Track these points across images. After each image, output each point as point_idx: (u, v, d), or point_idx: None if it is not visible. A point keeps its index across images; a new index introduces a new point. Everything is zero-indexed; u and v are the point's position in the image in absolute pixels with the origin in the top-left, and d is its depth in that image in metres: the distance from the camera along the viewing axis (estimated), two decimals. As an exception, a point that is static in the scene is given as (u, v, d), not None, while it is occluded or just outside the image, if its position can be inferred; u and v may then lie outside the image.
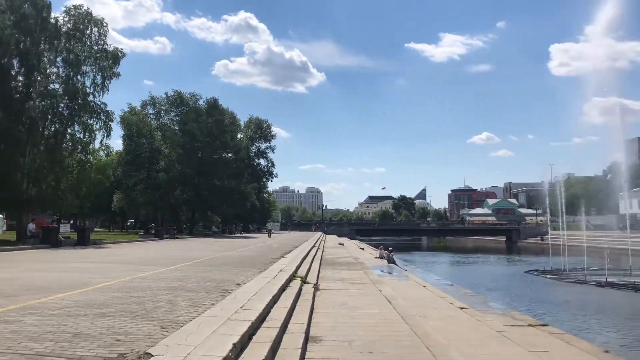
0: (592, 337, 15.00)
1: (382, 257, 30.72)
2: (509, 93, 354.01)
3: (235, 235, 67.84)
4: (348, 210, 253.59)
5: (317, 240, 46.62)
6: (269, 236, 55.56)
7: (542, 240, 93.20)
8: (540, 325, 12.93)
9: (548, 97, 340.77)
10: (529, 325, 12.71)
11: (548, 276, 35.24)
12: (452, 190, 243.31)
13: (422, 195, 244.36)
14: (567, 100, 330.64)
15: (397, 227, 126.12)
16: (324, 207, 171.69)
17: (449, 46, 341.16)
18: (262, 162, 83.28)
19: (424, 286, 18.15)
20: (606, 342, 15.50)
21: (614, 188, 73.13)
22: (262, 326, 7.44)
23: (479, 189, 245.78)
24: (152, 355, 5.14)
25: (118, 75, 36.57)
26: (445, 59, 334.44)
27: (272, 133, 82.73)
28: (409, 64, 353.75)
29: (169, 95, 63.27)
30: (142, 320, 7.16)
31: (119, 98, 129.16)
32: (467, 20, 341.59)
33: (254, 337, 6.67)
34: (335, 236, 76.73)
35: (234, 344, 5.64)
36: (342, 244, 48.97)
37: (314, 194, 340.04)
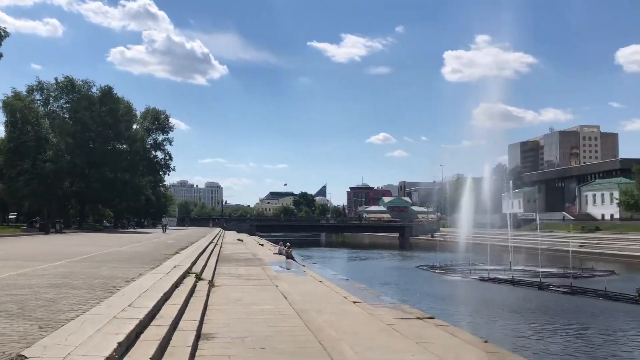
0: (474, 328, 15.96)
1: (280, 253, 30.81)
2: (406, 96, 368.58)
3: (128, 230, 65.10)
4: (249, 206, 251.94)
5: (216, 237, 45.87)
6: (164, 231, 53.86)
7: (432, 237, 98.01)
8: (427, 317, 13.56)
9: (441, 101, 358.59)
10: (417, 318, 13.28)
11: (437, 271, 37.11)
12: (350, 188, 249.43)
13: (322, 192, 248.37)
14: (458, 105, 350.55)
15: (297, 224, 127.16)
16: (224, 203, 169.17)
17: (351, 47, 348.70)
18: (159, 154, 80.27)
19: (320, 281, 18.41)
20: (487, 333, 16.59)
21: (498, 189, 78.25)
22: (151, 324, 7.17)
23: (376, 187, 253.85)
24: (27, 358, 4.78)
25: (0, 56, 33.76)
26: (347, 60, 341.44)
27: (171, 125, 79.91)
28: (312, 63, 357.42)
29: (59, 81, 59.31)
30: (17, 319, 6.64)
31: (1, 81, 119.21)
32: (368, 22, 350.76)
33: (142, 336, 6.42)
34: (235, 232, 75.94)
35: (119, 343, 5.38)
36: (241, 240, 48.54)
37: (214, 189, 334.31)
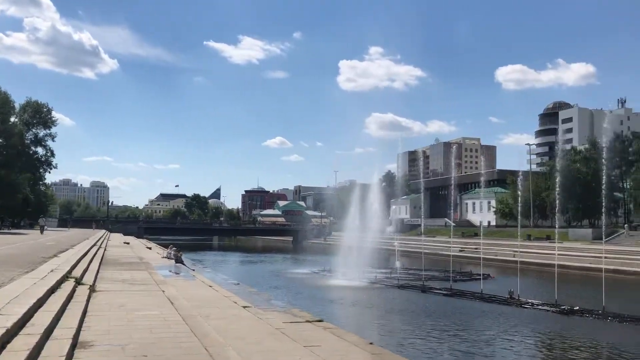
0: (361, 330, 16.39)
1: (169, 257, 29.85)
2: (302, 101, 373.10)
3: (2, 231, 59.98)
4: (137, 207, 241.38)
5: (100, 239, 43.52)
6: (42, 232, 50.21)
7: (325, 240, 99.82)
8: (316, 321, 13.75)
9: (336, 109, 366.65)
10: (307, 321, 13.42)
11: (327, 275, 37.75)
12: (246, 191, 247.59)
13: (216, 194, 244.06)
14: (352, 113, 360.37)
15: (189, 227, 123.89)
16: (110, 204, 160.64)
17: (248, 49, 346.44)
18: (40, 150, 74.83)
19: (210, 286, 18.07)
20: (373, 335, 17.11)
21: (387, 195, 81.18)
22: (20, 333, 6.63)
23: (271, 191, 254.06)
24: None
25: None
26: (244, 62, 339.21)
27: (53, 119, 74.68)
28: (208, 63, 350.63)
29: None
30: None
31: None
32: (266, 26, 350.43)
33: (8, 346, 5.92)
34: (121, 235, 72.47)
35: (-21, 356, 4.91)
36: (128, 243, 46.44)
37: (100, 189, 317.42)
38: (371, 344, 12.56)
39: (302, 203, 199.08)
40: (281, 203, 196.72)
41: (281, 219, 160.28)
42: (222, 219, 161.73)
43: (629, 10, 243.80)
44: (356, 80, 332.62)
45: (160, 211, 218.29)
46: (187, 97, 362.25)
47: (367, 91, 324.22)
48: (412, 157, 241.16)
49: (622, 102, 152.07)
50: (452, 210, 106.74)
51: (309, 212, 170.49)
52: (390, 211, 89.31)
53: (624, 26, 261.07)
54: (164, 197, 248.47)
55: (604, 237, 39.86)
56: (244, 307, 14.37)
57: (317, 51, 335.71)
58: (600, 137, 79.87)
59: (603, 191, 36.27)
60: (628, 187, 71.98)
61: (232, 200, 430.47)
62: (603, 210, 38.55)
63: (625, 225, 63.51)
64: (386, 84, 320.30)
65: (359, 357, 10.04)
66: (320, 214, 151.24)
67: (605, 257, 43.86)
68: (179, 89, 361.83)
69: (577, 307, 22.68)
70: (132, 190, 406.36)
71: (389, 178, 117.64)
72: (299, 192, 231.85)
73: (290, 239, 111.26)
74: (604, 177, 37.43)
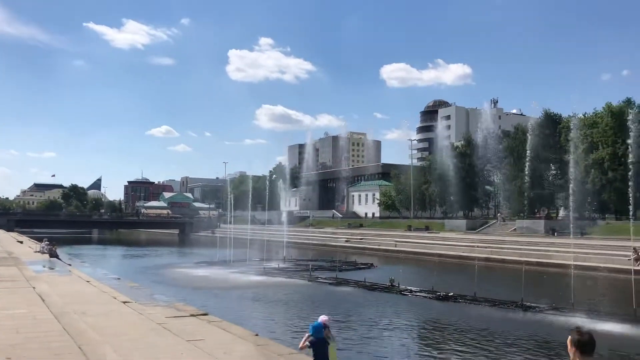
0: (246, 322, 16.33)
1: (43, 251, 27.87)
2: (190, 90, 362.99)
3: None
4: (7, 198, 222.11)
5: (-39, 232, 39.60)
6: None
7: (213, 233, 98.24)
8: (201, 314, 13.50)
9: (225, 99, 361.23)
10: (191, 315, 13.14)
11: (215, 267, 37.22)
12: (129, 182, 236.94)
13: (96, 185, 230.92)
14: (242, 104, 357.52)
15: (66, 219, 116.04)
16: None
17: (133, 33, 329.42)
18: None
19: (88, 281, 17.12)
20: (259, 326, 17.13)
21: (277, 187, 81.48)
22: None
23: (156, 182, 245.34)
24: None
25: None
26: (128, 46, 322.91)
27: None
28: (88, 45, 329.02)
29: None
30: None
31: None
32: (152, 10, 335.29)
33: None
34: (-13, 228, 66.49)
35: None
36: (-5, 237, 42.71)
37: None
38: (256, 335, 12.57)
39: (189, 195, 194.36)
40: (167, 195, 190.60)
41: (167, 211, 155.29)
42: (102, 211, 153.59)
43: (504, 14, 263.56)
44: (246, 70, 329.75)
45: (34, 202, 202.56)
46: (65, 82, 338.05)
47: (257, 82, 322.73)
48: (302, 149, 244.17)
49: (495, 102, 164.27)
50: (340, 202, 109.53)
51: (197, 204, 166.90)
52: (280, 203, 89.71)
53: (498, 29, 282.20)
54: (39, 187, 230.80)
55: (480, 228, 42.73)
56: (125, 302, 13.78)
57: (205, 39, 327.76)
58: (474, 135, 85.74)
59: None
60: (498, 181, 78.00)
61: (114, 192, 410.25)
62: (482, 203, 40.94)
63: (499, 214, 68.61)
64: (276, 76, 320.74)
65: (243, 349, 10.01)
66: (208, 206, 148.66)
67: (477, 246, 47.29)
68: (56, 73, 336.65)
69: (452, 293, 24.23)
70: (2, 180, 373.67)
71: (279, 170, 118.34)
72: (186, 184, 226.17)
73: (176, 232, 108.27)
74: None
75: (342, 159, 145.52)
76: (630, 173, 40.54)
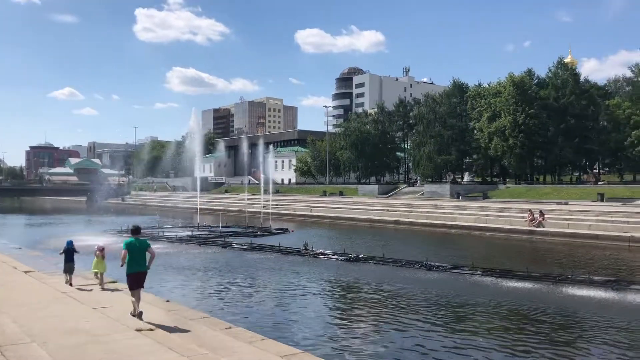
0: (158, 290, 16.19)
1: None
2: (95, 49, 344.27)
3: None
4: None
5: None
6: None
7: (123, 200, 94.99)
8: (109, 282, 13.24)
9: (134, 60, 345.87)
10: (99, 283, 12.85)
11: (124, 235, 36.13)
12: (31, 147, 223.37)
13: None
14: (151, 66, 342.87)
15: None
16: None
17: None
18: None
19: (-15, 252, 16.20)
20: (171, 293, 17.05)
21: (190, 153, 79.71)
22: None
23: (62, 147, 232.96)
24: None
25: None
26: (25, 1, 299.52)
27: None
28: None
29: None
30: None
31: None
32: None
33: None
34: None
35: None
36: None
37: None
38: (167, 301, 12.56)
39: (97, 161, 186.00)
40: (73, 160, 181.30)
41: (73, 178, 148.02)
42: (1, 177, 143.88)
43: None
44: (155, 30, 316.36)
45: None
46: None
47: (168, 43, 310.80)
48: (216, 114, 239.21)
49: (407, 70, 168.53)
50: (256, 169, 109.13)
51: (106, 171, 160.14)
52: (194, 169, 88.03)
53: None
54: None
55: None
56: (26, 272, 13.25)
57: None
58: (387, 102, 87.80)
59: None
60: (409, 147, 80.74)
61: (14, 157, 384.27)
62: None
63: (418, 177, 70.80)
64: (188, 37, 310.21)
65: (154, 315, 9.98)
66: (118, 172, 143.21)
67: (387, 210, 49.05)
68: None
69: (362, 255, 25.14)
70: None
71: (192, 135, 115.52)
72: (94, 149, 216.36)
73: (84, 199, 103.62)
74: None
75: (257, 125, 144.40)
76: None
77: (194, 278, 21.22)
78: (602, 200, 42.43)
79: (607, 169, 71.02)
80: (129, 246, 9.78)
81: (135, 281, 9.67)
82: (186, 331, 8.98)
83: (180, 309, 11.16)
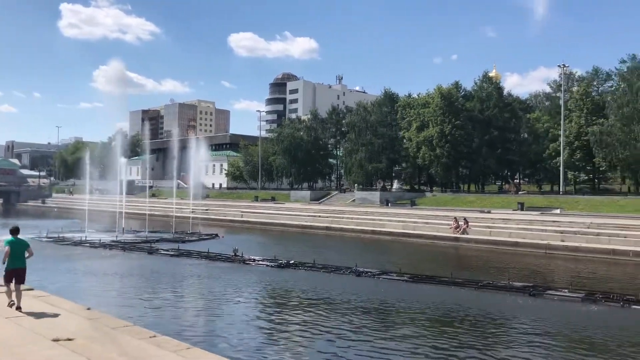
0: (79, 297, 15.48)
1: None
2: (16, 44, 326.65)
3: None
4: None
5: None
6: None
7: (43, 203, 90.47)
8: (26, 289, 12.51)
9: (58, 57, 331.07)
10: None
11: (44, 239, 34.42)
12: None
13: None
14: (77, 64, 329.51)
15: None
16: None
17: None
18: None
19: None
20: (92, 301, 16.34)
21: (117, 154, 76.93)
22: None
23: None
24: None
25: None
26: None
27: None
28: None
29: None
30: None
31: None
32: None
33: None
34: None
35: None
36: None
37: None
38: (88, 309, 12.01)
39: (15, 161, 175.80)
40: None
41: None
42: None
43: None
44: (81, 27, 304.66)
45: None
46: None
47: (95, 41, 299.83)
48: (145, 116, 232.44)
49: (340, 78, 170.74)
50: (185, 172, 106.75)
51: (25, 172, 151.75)
52: (121, 172, 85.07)
53: (343, 6, 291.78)
54: None
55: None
56: None
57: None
58: (320, 109, 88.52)
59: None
60: (341, 154, 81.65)
61: None
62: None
63: (355, 185, 71.43)
64: (116, 36, 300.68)
65: (74, 324, 9.54)
66: (39, 173, 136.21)
67: (319, 216, 49.35)
68: None
69: (292, 261, 25.12)
70: None
71: (120, 137, 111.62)
72: (12, 149, 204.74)
73: (0, 201, 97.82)
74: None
75: (188, 128, 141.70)
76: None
77: (117, 285, 20.48)
78: (522, 209, 44.56)
79: (527, 179, 74.76)
80: (11, 244, 10.75)
81: (14, 276, 10.55)
82: (108, 340, 8.62)
83: (102, 317, 10.70)
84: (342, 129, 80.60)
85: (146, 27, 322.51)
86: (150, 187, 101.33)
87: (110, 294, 18.39)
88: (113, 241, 33.42)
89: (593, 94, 56.98)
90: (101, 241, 32.69)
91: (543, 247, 31.67)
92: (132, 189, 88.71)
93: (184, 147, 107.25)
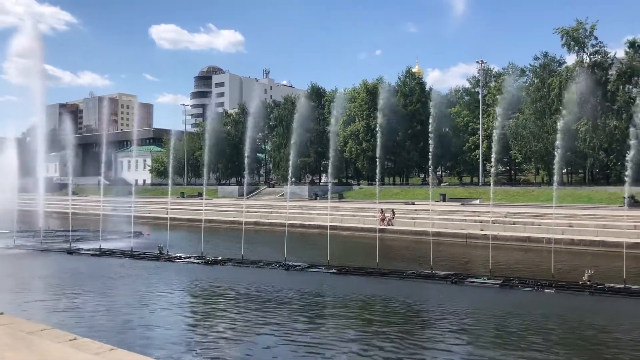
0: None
1: None
2: None
3: None
4: None
5: None
6: None
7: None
8: None
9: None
10: None
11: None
12: None
13: None
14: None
15: None
16: None
17: None
18: None
19: None
20: (4, 305, 15.52)
21: (33, 151, 72.98)
22: None
23: None
24: None
25: None
26: None
27: None
28: None
29: None
30: None
31: None
32: None
33: None
34: None
35: None
36: None
37: None
38: (1, 314, 11.38)
39: None
40: None
41: None
42: None
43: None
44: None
45: None
46: None
47: (4, 30, 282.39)
48: (63, 109, 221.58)
49: (267, 72, 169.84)
50: (107, 169, 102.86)
51: None
52: (37, 169, 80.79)
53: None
54: None
55: (245, 194, 44.13)
56: None
57: None
58: (248, 103, 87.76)
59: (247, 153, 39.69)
60: (269, 149, 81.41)
61: None
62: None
63: (303, 180, 71.06)
64: (29, 25, 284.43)
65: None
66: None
67: (247, 211, 49.02)
68: None
69: (220, 257, 24.85)
70: None
71: (34, 132, 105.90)
72: None
73: None
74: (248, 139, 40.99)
75: (109, 122, 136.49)
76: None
77: (33, 287, 19.51)
78: (444, 201, 46.27)
79: (449, 171, 77.57)
80: None
81: None
82: (23, 346, 8.20)
83: (17, 321, 10.16)
84: (270, 124, 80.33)
85: (61, 16, 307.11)
86: (70, 184, 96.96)
87: (27, 298, 17.48)
88: (30, 241, 31.78)
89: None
90: (16, 242, 30.98)
91: (464, 236, 33.06)
92: (51, 186, 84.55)
93: (105, 142, 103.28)
